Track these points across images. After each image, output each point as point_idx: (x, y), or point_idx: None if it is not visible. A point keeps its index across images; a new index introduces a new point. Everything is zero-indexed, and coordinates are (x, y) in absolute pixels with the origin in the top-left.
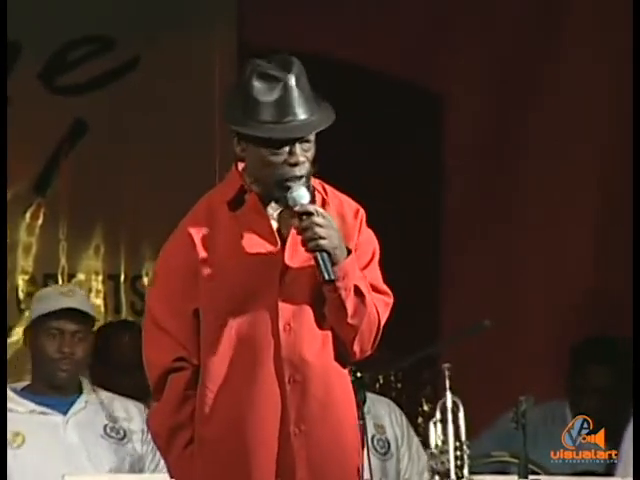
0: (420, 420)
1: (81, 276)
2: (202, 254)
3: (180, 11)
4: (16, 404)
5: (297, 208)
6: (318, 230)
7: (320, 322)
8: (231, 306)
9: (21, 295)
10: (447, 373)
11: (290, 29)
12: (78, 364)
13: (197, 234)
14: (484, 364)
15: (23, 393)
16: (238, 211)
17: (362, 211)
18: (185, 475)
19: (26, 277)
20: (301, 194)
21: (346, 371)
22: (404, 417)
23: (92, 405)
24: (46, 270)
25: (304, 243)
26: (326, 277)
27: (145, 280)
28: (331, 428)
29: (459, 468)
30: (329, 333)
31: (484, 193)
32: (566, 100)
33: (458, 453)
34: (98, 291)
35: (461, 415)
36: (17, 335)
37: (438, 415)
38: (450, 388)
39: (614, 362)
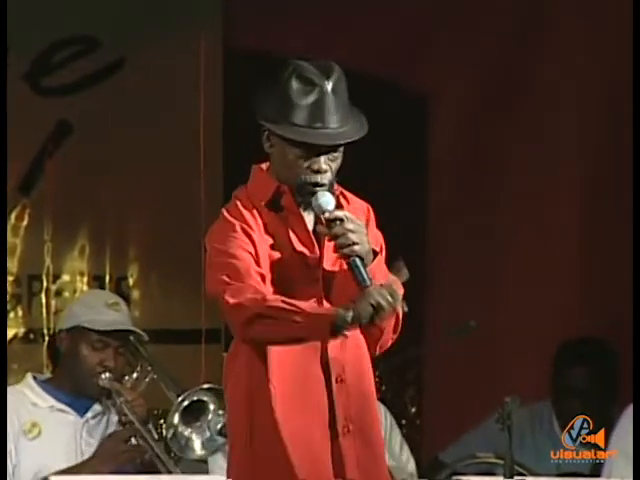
0: (404, 422)
1: (66, 277)
2: (253, 249)
3: (166, 13)
4: (36, 396)
5: (326, 215)
6: (351, 236)
7: None
8: None
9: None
10: None
11: (276, 32)
12: (115, 377)
13: (247, 229)
14: (469, 365)
15: (45, 386)
16: (279, 213)
17: (371, 210)
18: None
19: (10, 278)
20: (327, 200)
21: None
22: (391, 417)
23: (110, 410)
24: (31, 271)
25: (337, 249)
26: (362, 283)
27: (130, 281)
28: (372, 426)
29: None
30: (359, 333)
31: (469, 192)
32: (551, 99)
33: None
34: (83, 292)
35: None
36: None
37: None
38: None
39: (599, 363)
